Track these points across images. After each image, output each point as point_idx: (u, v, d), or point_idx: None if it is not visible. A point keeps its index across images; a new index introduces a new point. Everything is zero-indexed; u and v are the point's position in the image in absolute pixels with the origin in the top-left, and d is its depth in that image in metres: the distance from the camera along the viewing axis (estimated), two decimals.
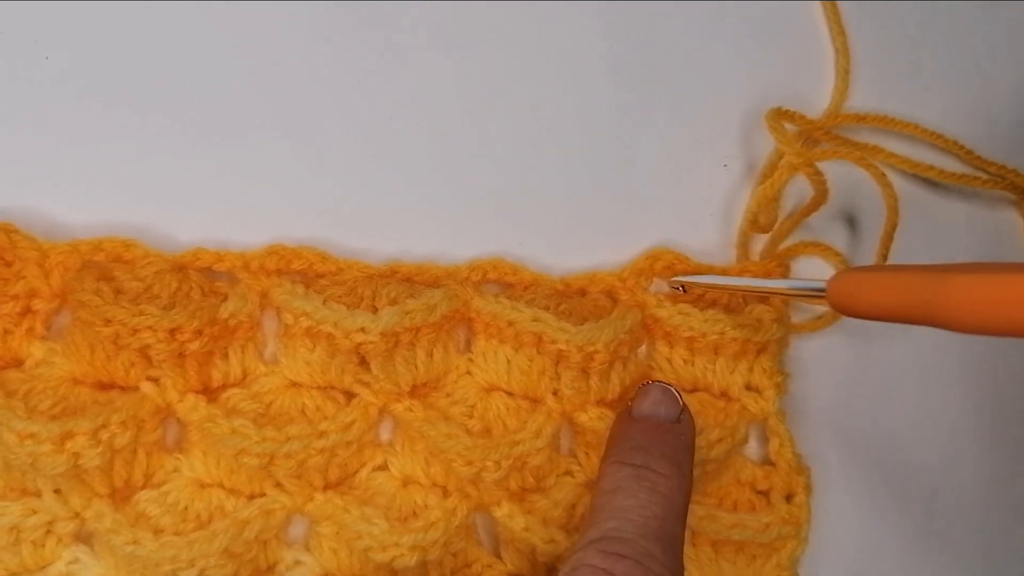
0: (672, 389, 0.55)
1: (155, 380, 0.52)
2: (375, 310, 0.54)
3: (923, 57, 0.66)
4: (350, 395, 0.56)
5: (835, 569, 0.64)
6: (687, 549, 0.59)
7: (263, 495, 0.54)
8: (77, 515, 0.51)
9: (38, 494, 0.51)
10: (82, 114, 0.55)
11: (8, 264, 0.52)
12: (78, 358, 0.52)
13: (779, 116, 0.60)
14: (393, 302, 0.54)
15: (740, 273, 0.61)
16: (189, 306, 0.52)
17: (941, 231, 0.66)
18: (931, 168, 0.64)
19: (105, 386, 0.53)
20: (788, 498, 0.60)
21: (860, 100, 0.65)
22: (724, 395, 0.61)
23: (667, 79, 0.63)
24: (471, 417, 0.57)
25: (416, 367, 0.56)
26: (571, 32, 0.62)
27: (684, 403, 0.55)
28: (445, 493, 0.56)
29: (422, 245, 0.59)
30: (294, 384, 0.56)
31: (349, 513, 0.53)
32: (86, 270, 0.52)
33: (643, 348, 0.61)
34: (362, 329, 0.52)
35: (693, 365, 0.60)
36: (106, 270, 0.53)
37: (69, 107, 0.55)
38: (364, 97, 0.59)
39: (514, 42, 0.61)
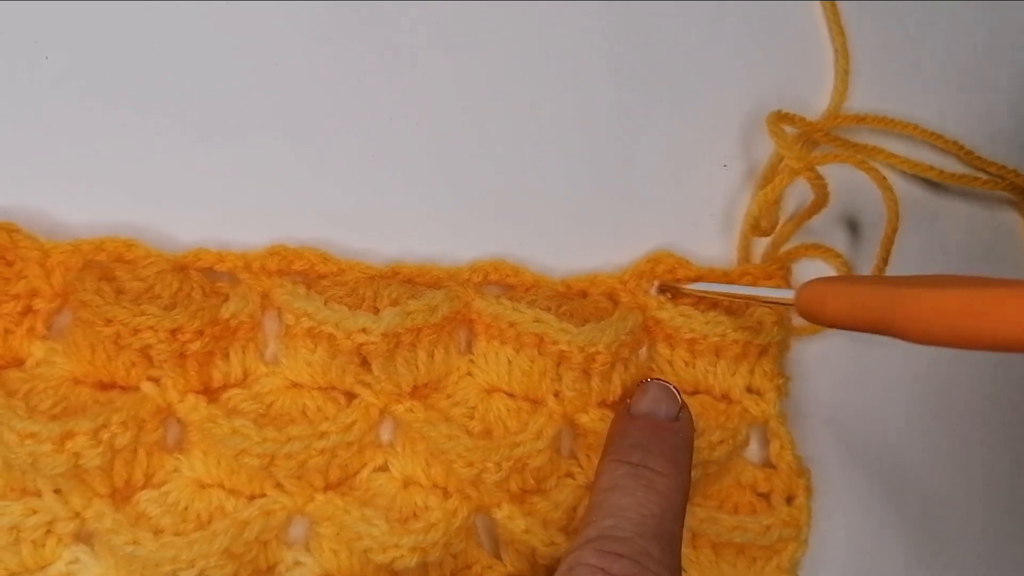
0: (671, 387, 0.55)
1: (156, 380, 0.52)
2: (376, 311, 0.54)
3: (923, 57, 0.66)
4: (351, 396, 0.56)
5: (835, 571, 0.64)
6: (688, 551, 0.59)
7: (263, 496, 0.54)
8: (77, 515, 0.51)
9: (38, 494, 0.51)
10: (83, 114, 0.55)
11: (9, 263, 0.52)
12: (79, 358, 0.52)
13: (779, 119, 0.60)
14: (394, 303, 0.54)
15: (741, 275, 0.61)
16: (190, 306, 0.51)
17: (941, 231, 0.66)
18: (931, 168, 0.64)
19: (106, 386, 0.53)
20: (789, 500, 0.60)
21: (860, 101, 0.65)
22: (725, 397, 0.61)
23: (667, 79, 0.63)
24: (472, 418, 0.57)
25: (417, 368, 0.56)
26: (571, 32, 0.62)
27: (683, 401, 0.55)
28: (446, 494, 0.56)
29: (423, 246, 0.59)
30: (295, 385, 0.56)
31: (349, 514, 0.53)
32: (87, 270, 0.52)
33: (644, 350, 0.61)
34: (363, 330, 0.52)
35: (694, 367, 0.60)
36: (107, 270, 0.52)
37: (69, 107, 0.55)
38: (364, 97, 0.59)
39: (514, 42, 0.61)
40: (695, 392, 0.61)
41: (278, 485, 0.54)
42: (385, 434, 0.58)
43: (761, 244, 0.62)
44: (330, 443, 0.53)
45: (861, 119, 0.64)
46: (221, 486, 0.54)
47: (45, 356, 0.52)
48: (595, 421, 0.57)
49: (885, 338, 0.52)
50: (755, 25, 0.64)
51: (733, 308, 0.60)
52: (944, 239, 0.67)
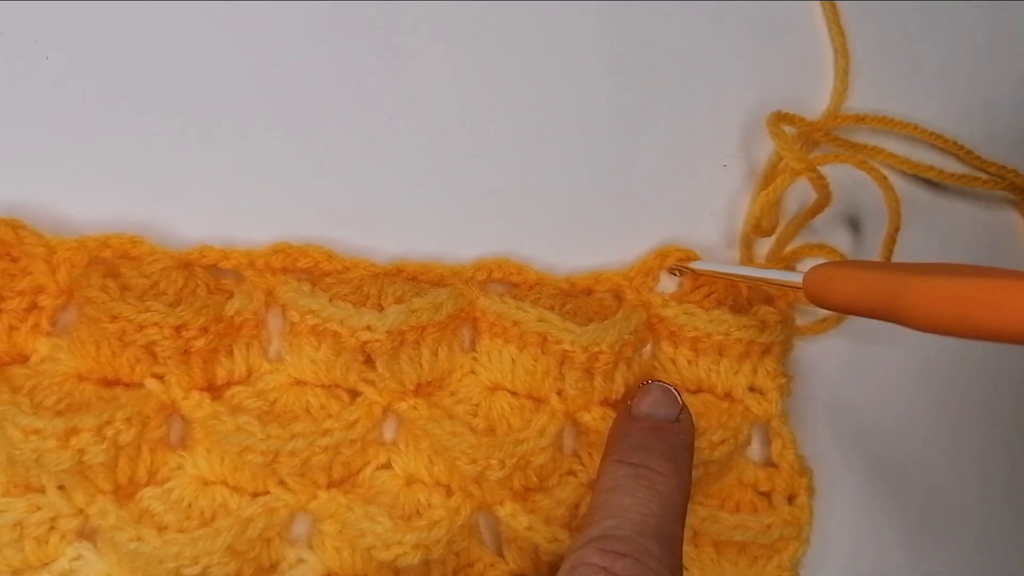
0: (672, 389, 0.56)
1: (160, 377, 0.52)
2: (381, 309, 0.54)
3: (923, 57, 0.67)
4: (355, 393, 0.56)
5: (836, 570, 0.65)
6: (690, 550, 0.59)
7: (267, 493, 0.54)
8: (81, 512, 0.51)
9: (42, 490, 0.51)
10: (84, 113, 0.55)
11: (15, 260, 0.51)
12: (83, 354, 0.52)
13: (779, 119, 0.60)
14: (399, 301, 0.54)
15: None
16: (195, 303, 0.51)
17: (941, 231, 0.67)
18: (931, 168, 0.64)
19: (110, 383, 0.53)
20: (790, 499, 0.60)
21: (860, 100, 0.65)
22: (728, 396, 0.61)
23: (667, 79, 0.63)
24: (475, 416, 0.57)
25: (421, 366, 0.56)
26: (571, 32, 0.62)
27: (683, 403, 0.55)
28: (448, 492, 0.56)
29: (424, 245, 0.59)
30: (299, 382, 0.56)
31: (352, 511, 0.53)
32: (92, 266, 0.52)
33: (647, 348, 0.61)
34: (368, 327, 0.52)
35: (697, 366, 0.61)
36: (112, 266, 0.52)
37: (70, 106, 0.55)
38: (364, 97, 0.59)
39: (514, 42, 0.61)
40: (698, 391, 0.61)
41: (281, 482, 0.54)
42: (388, 432, 0.58)
43: (763, 246, 0.62)
44: (333, 440, 0.53)
45: (861, 119, 0.64)
46: (224, 483, 0.54)
47: (50, 352, 0.52)
48: (597, 419, 0.57)
49: (887, 338, 0.52)
50: (755, 25, 0.64)
51: (737, 307, 0.60)
52: (944, 239, 0.67)
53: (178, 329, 0.51)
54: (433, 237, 0.59)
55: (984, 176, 0.66)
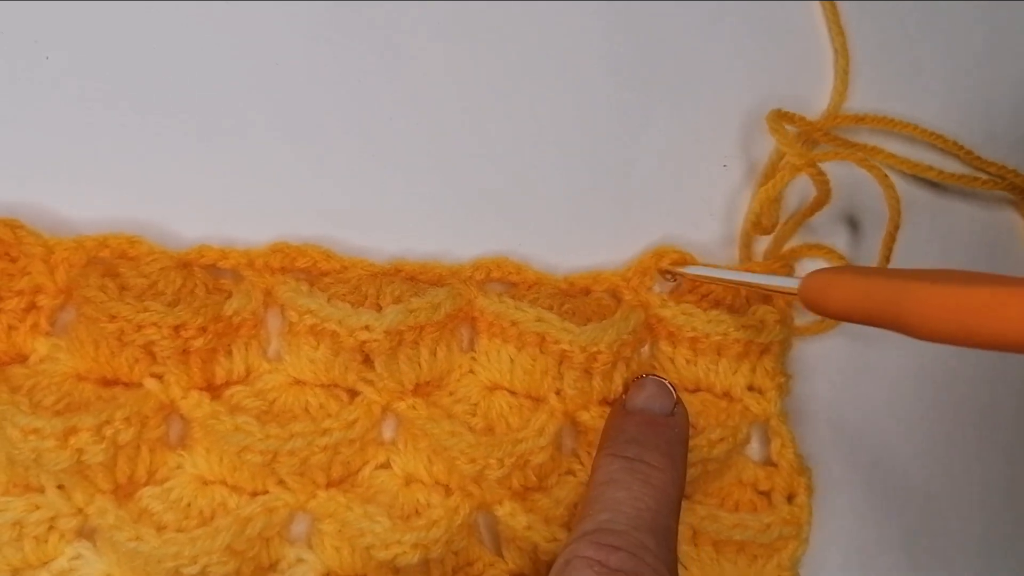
0: (666, 383, 0.56)
1: (159, 377, 0.52)
2: (379, 308, 0.54)
3: (923, 57, 0.67)
4: (353, 393, 0.56)
5: (835, 570, 0.65)
6: (689, 549, 0.59)
7: (266, 492, 0.54)
8: (80, 511, 0.51)
9: (41, 490, 0.51)
10: (84, 113, 0.55)
11: (13, 260, 0.52)
12: (82, 354, 0.52)
13: (779, 118, 0.60)
14: (397, 300, 0.54)
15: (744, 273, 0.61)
16: (193, 303, 0.52)
17: (941, 231, 0.67)
18: (931, 168, 0.64)
19: (109, 382, 0.53)
20: (789, 499, 0.60)
21: (859, 100, 0.65)
22: (726, 395, 0.61)
23: (667, 79, 0.63)
24: (474, 415, 0.57)
25: (420, 365, 0.56)
26: (571, 32, 0.62)
27: (678, 397, 0.56)
28: (447, 491, 0.56)
29: (423, 245, 0.59)
30: (298, 382, 0.56)
31: (352, 511, 0.53)
32: (91, 266, 0.52)
33: (646, 348, 0.61)
34: (366, 327, 0.53)
35: (696, 365, 0.60)
36: (111, 266, 0.52)
37: (70, 106, 0.55)
38: (364, 97, 0.59)
39: (514, 42, 0.61)
40: (696, 390, 0.61)
41: (280, 482, 0.54)
42: (387, 431, 0.58)
43: (762, 244, 0.62)
44: (332, 440, 0.53)
45: (861, 119, 0.64)
46: (224, 483, 0.54)
47: (49, 352, 0.52)
48: (596, 419, 0.57)
49: (886, 337, 0.52)
50: (755, 25, 0.64)
51: (735, 306, 0.60)
52: (944, 239, 0.67)
53: (177, 329, 0.51)
54: (432, 237, 0.59)
55: (984, 176, 0.66)
